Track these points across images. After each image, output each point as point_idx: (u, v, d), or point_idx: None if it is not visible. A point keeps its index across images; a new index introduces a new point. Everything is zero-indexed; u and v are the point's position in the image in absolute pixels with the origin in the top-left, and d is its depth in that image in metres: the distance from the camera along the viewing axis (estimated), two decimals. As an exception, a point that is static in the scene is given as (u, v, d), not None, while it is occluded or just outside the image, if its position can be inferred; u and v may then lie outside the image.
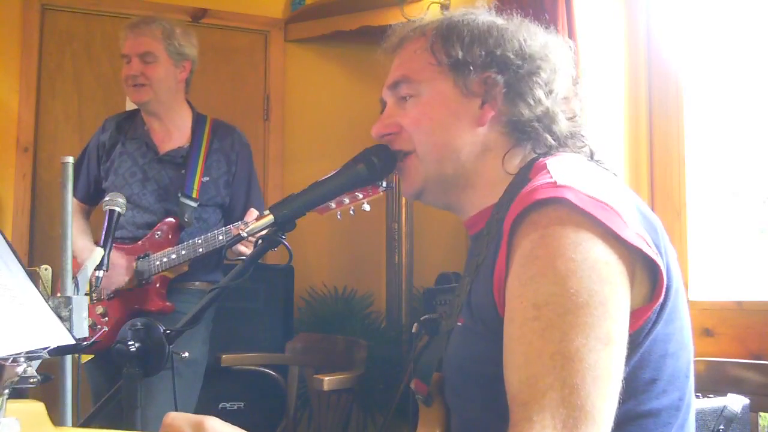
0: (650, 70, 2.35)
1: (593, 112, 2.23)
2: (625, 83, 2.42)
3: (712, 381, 1.69)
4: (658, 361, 0.93)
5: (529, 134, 1.09)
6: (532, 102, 1.08)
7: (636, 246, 0.88)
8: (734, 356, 1.94)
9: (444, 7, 3.14)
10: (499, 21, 1.13)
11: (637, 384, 0.92)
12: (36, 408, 0.64)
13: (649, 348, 0.92)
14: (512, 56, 1.08)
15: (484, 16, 1.15)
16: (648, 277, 0.90)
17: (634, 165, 2.44)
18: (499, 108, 1.09)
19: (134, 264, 2.33)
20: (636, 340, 0.90)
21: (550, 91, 1.09)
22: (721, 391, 1.39)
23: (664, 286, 0.90)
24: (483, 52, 1.09)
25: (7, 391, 0.62)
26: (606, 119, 2.42)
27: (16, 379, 0.62)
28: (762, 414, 1.59)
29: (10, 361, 0.65)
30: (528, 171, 1.05)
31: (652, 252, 0.89)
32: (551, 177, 0.94)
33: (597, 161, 1.12)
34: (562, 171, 0.96)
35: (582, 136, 1.13)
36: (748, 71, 2.14)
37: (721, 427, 1.26)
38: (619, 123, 2.45)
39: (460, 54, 1.09)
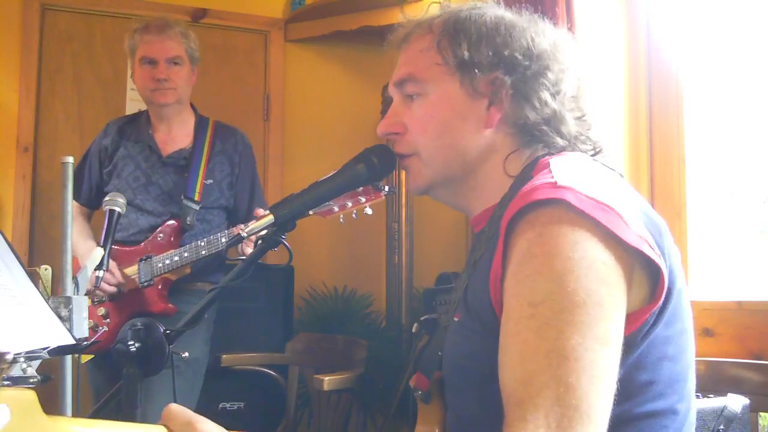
0: (650, 70, 2.35)
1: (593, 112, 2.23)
2: (625, 83, 2.41)
3: (712, 381, 1.69)
4: (656, 363, 0.91)
5: (537, 137, 1.07)
6: (538, 105, 1.05)
7: (636, 247, 0.86)
8: (734, 356, 1.94)
9: (444, 7, 3.13)
10: (508, 17, 1.10)
11: (633, 386, 0.90)
12: (27, 396, 0.64)
13: (647, 350, 0.91)
14: (520, 56, 1.05)
15: (493, 10, 1.11)
16: (648, 279, 0.89)
17: (634, 165, 2.44)
18: (506, 110, 1.07)
19: (135, 274, 2.34)
20: (632, 341, 0.89)
21: (558, 92, 1.07)
22: (721, 391, 1.39)
23: (665, 288, 0.88)
24: (490, 52, 1.05)
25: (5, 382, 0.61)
26: (606, 119, 2.42)
27: (6, 366, 0.62)
28: (762, 414, 1.59)
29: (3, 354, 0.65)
30: (531, 169, 1.03)
31: (653, 253, 0.87)
32: (552, 177, 0.92)
33: (603, 162, 1.09)
34: (565, 171, 0.94)
35: (590, 137, 1.11)
36: (748, 71, 2.14)
37: (721, 427, 1.26)
38: (619, 123, 2.45)
39: (467, 54, 1.06)
